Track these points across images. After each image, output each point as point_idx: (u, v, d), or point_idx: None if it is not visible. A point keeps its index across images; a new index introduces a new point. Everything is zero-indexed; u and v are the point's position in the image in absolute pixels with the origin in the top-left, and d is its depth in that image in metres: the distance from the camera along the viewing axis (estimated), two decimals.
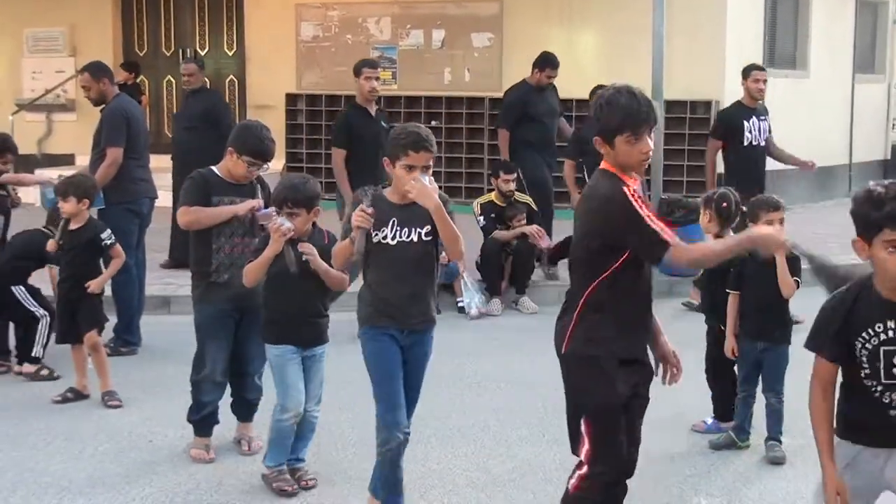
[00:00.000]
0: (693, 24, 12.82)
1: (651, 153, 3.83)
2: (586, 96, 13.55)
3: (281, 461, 5.08)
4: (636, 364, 3.92)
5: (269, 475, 5.07)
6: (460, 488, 5.08)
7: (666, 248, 3.69)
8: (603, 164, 3.85)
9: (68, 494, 5.03)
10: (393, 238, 4.42)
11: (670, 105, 11.95)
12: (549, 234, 9.71)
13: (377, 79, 8.64)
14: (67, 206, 6.47)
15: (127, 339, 7.70)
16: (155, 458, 5.51)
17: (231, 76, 15.68)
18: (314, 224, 5.07)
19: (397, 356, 4.48)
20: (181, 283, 9.11)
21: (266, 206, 5.32)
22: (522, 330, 8.51)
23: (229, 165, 5.43)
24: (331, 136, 8.88)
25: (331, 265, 4.96)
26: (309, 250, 4.93)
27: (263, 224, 5.16)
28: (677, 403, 6.29)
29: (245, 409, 5.68)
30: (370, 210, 4.36)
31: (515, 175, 9.45)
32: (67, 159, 15.35)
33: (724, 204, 5.92)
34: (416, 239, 4.44)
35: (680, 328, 7.17)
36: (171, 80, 15.81)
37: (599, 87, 9.46)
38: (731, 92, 13.34)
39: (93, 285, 6.44)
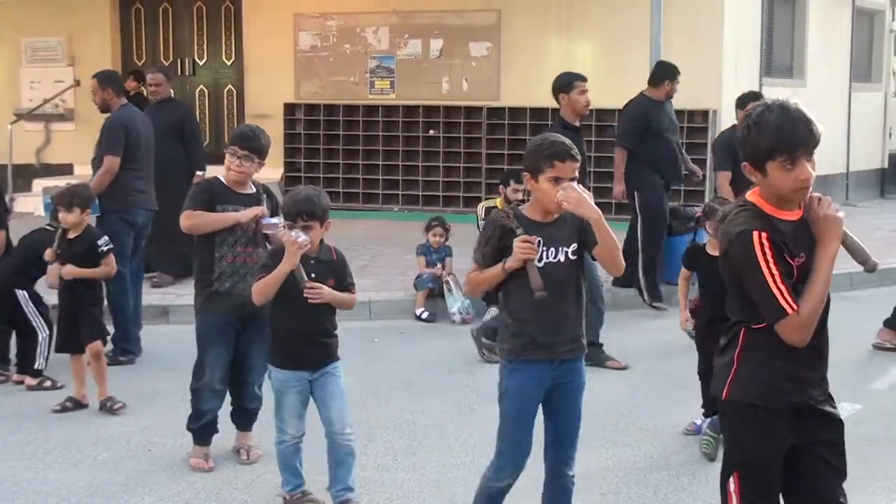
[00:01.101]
0: (690, 33, 12.86)
1: (811, 180, 3.26)
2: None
3: (297, 483, 4.90)
4: (808, 411, 3.39)
5: (290, 500, 4.91)
6: (459, 497, 5.08)
7: (781, 317, 3.21)
8: (751, 194, 3.39)
9: (67, 503, 5.03)
10: (539, 259, 4.00)
11: None
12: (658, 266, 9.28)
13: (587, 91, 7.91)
14: (70, 217, 6.48)
15: (125, 349, 7.71)
16: (153, 467, 5.52)
17: (229, 85, 15.70)
18: (321, 240, 4.87)
19: (538, 398, 4.13)
20: (180, 293, 9.13)
21: (272, 216, 5.26)
22: None
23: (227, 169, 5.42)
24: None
25: (341, 286, 4.79)
26: (315, 295, 4.67)
27: (267, 234, 5.09)
28: (673, 412, 6.31)
29: (244, 418, 5.67)
30: (534, 238, 3.97)
31: (524, 187, 9.33)
32: (66, 169, 15.37)
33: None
34: (563, 259, 4.05)
35: (680, 335, 7.18)
36: (170, 90, 15.81)
37: (753, 94, 8.88)
38: (728, 102, 13.40)
39: (66, 271, 6.43)
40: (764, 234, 3.25)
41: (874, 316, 8.10)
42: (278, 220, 5.06)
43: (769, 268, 3.22)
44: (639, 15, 11.53)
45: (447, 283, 9.08)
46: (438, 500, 5.08)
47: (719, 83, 13.30)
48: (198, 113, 15.92)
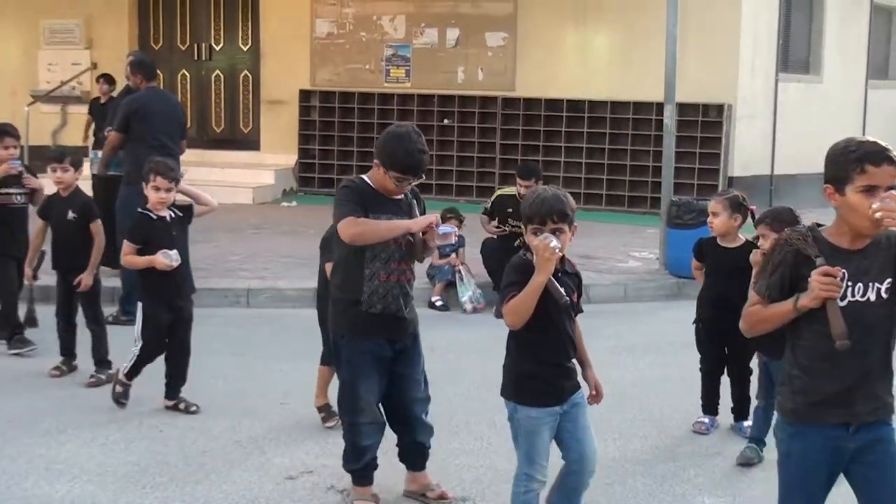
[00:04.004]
0: (706, 26, 12.86)
1: None
2: (599, 97, 13.73)
3: None
4: None
5: None
6: (466, 484, 5.11)
7: None
8: None
9: (79, 482, 5.09)
10: (842, 298, 3.19)
11: (682, 108, 11.98)
12: None
13: None
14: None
15: (128, 310, 8.04)
16: (165, 448, 5.57)
17: (245, 71, 15.76)
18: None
19: (827, 466, 3.34)
20: (197, 276, 9.19)
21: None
22: None
23: (377, 177, 4.64)
24: None
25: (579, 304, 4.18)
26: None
27: (438, 245, 4.67)
28: (681, 404, 6.34)
29: (421, 455, 4.96)
30: (838, 270, 3.16)
31: (533, 181, 9.06)
32: (81, 151, 15.44)
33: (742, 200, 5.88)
34: (873, 297, 3.22)
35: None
36: (186, 74, 15.89)
37: None
38: (743, 96, 13.39)
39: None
40: None
41: None
42: (451, 227, 4.71)
43: None
44: (655, 8, 11.52)
45: (459, 272, 9.15)
46: (446, 486, 5.10)
47: (735, 77, 13.31)
48: (213, 98, 15.99)
